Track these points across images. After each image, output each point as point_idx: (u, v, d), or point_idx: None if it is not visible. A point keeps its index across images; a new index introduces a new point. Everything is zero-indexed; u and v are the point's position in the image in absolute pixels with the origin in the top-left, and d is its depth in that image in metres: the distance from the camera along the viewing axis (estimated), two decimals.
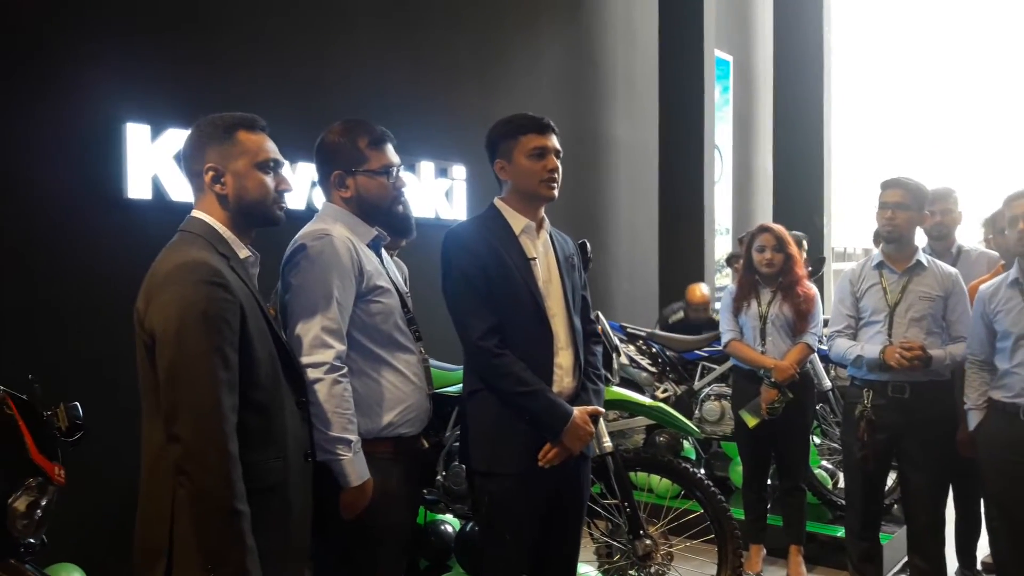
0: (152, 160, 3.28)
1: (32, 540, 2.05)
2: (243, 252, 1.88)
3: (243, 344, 1.75)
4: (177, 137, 3.35)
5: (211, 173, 1.84)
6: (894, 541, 3.91)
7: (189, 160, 1.88)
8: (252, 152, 1.86)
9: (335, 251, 2.11)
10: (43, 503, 2.04)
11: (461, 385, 2.49)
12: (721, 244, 7.44)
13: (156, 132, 3.29)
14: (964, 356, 3.06)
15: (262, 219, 1.92)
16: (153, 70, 3.33)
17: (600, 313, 3.47)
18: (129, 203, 3.23)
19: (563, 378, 2.41)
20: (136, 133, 3.23)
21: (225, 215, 1.87)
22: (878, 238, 5.10)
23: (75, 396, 2.22)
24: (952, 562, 3.48)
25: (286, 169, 2.05)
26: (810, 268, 4.52)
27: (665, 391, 4.70)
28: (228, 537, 1.63)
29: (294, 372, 1.95)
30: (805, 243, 5.43)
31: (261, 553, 1.69)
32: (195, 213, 1.88)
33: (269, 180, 1.89)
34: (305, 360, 2.03)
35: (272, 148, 1.91)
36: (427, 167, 4.58)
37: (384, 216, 2.34)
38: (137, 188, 3.24)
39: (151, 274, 1.78)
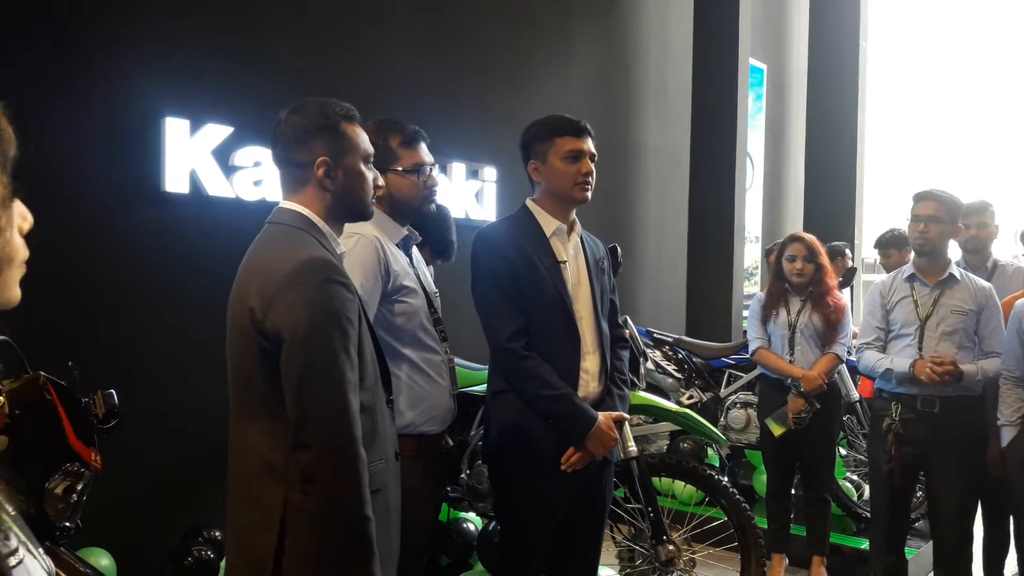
0: (190, 154, 3.32)
1: (67, 524, 2.09)
2: (340, 247, 1.80)
3: (359, 344, 1.68)
4: (215, 132, 3.39)
5: (323, 168, 1.73)
6: (920, 556, 3.87)
7: (291, 150, 1.76)
8: (360, 147, 1.79)
9: (362, 250, 2.13)
10: (79, 488, 2.09)
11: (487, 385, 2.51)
12: (751, 252, 7.40)
13: (195, 127, 3.33)
14: (996, 372, 3.02)
15: (360, 215, 1.85)
16: (192, 64, 3.37)
17: (628, 318, 3.46)
18: (166, 197, 3.27)
19: (589, 383, 2.41)
20: (175, 127, 3.27)
21: (324, 209, 1.76)
22: (880, 244, 4.96)
23: (110, 385, 2.27)
24: None
25: None
26: (840, 279, 4.48)
27: (691, 397, 4.69)
28: (358, 544, 1.57)
29: (386, 371, 1.88)
30: (849, 251, 5.38)
31: None
32: (290, 205, 1.75)
33: (371, 176, 1.83)
34: None
35: (369, 141, 1.84)
36: (458, 168, 4.61)
37: (416, 215, 2.35)
38: (175, 182, 3.28)
39: (266, 272, 1.64)
